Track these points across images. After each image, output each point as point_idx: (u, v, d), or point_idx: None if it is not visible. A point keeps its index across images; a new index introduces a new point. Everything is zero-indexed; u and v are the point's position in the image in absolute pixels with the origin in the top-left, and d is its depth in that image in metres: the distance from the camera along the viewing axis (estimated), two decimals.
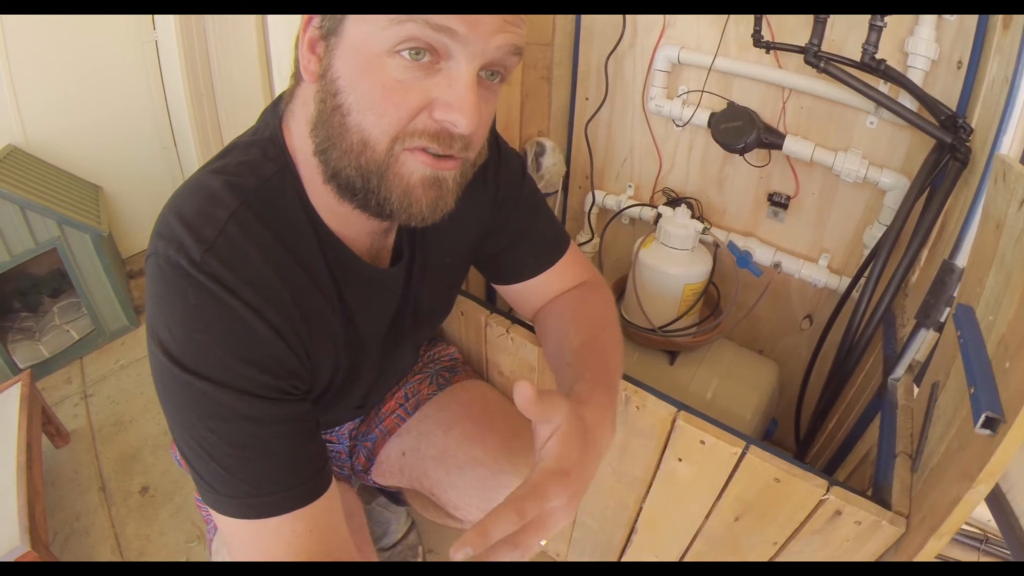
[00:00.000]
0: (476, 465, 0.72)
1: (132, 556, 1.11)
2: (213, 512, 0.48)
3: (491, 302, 0.86)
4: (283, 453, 0.48)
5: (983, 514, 1.12)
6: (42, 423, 1.22)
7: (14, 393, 1.17)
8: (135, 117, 1.78)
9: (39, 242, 1.39)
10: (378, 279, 0.58)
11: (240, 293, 0.44)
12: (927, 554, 0.54)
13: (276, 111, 0.52)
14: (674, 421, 0.66)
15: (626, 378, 0.70)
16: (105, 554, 1.12)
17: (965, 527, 1.15)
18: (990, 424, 0.46)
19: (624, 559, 0.90)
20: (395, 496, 1.04)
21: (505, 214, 0.67)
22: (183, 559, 1.11)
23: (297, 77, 0.48)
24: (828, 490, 0.60)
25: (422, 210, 0.47)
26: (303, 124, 0.48)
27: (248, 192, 0.47)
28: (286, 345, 0.47)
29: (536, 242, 0.70)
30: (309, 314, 0.50)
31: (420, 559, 1.07)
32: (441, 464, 0.74)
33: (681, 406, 0.67)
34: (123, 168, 1.79)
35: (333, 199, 0.49)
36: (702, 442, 0.65)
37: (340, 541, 0.52)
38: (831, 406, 0.99)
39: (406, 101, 0.43)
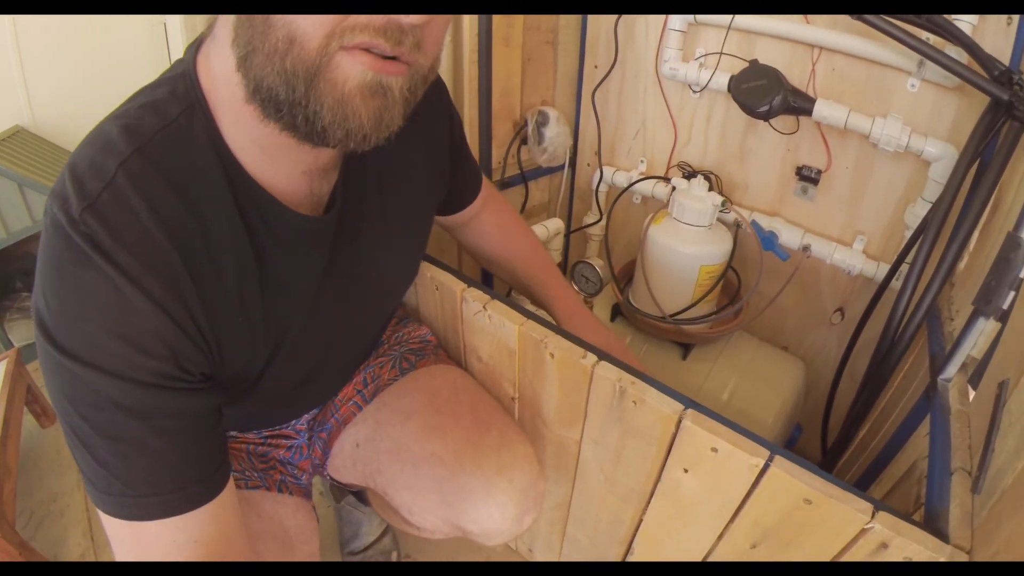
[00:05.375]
0: (434, 462, 0.63)
1: (103, 541, 1.06)
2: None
3: (488, 284, 0.76)
4: (164, 451, 0.42)
5: None
6: (27, 401, 1.21)
7: None
8: None
9: (36, 220, 1.37)
10: (307, 230, 0.49)
11: (117, 259, 0.38)
12: None
13: (195, 45, 0.45)
14: (679, 422, 0.54)
15: (623, 367, 0.59)
16: (76, 537, 1.07)
17: None
18: None
19: None
20: (361, 495, 0.95)
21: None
22: None
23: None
24: (873, 516, 0.47)
25: (362, 123, 0.39)
26: (225, 44, 0.40)
27: (145, 137, 0.41)
28: (170, 320, 0.41)
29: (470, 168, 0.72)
30: (208, 282, 0.43)
31: None
32: (396, 459, 0.65)
33: (689, 403, 0.55)
34: None
35: (258, 127, 0.40)
36: (714, 449, 0.53)
37: (232, 552, 0.46)
38: (867, 411, 0.87)
39: None
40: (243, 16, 0.37)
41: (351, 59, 0.37)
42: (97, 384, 0.39)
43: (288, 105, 0.38)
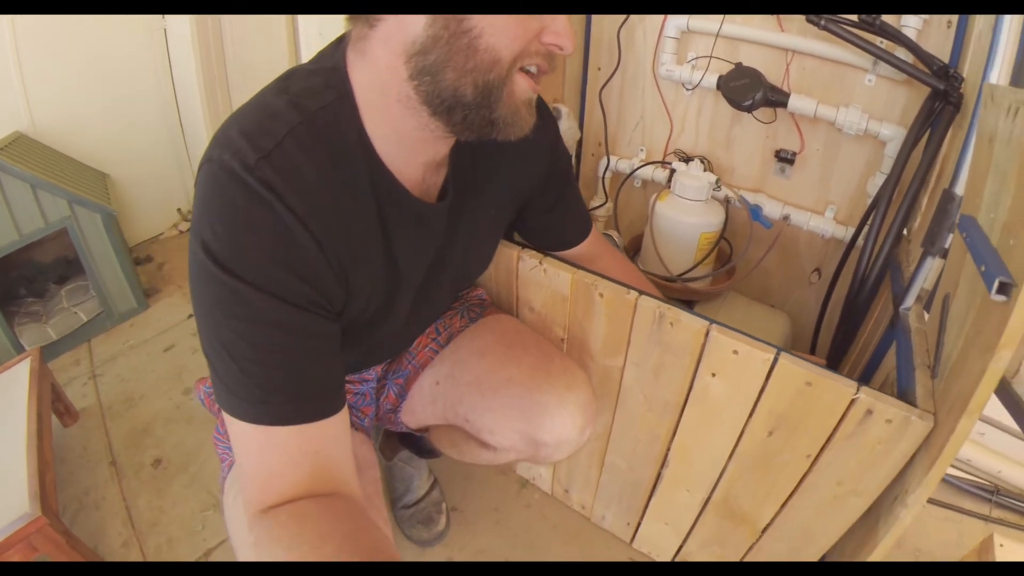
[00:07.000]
0: (511, 385, 0.74)
1: (144, 528, 1.10)
2: (225, 414, 0.49)
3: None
4: (303, 365, 0.49)
5: (991, 464, 1.15)
6: (51, 400, 1.21)
7: (23, 369, 1.17)
8: (142, 104, 1.78)
9: (49, 221, 1.38)
10: (423, 214, 0.59)
11: (288, 201, 0.45)
12: (959, 437, 0.55)
13: (339, 47, 0.53)
14: (708, 334, 0.69)
15: (659, 298, 0.73)
16: (116, 527, 1.10)
17: (975, 478, 1.18)
18: (1004, 289, 0.48)
19: (653, 498, 0.92)
20: (418, 446, 1.05)
21: (556, 165, 0.74)
22: (198, 528, 1.10)
23: (365, 20, 0.49)
24: (858, 389, 0.63)
25: (523, 127, 0.53)
26: (396, 57, 0.48)
27: (309, 112, 0.49)
28: (325, 260, 0.49)
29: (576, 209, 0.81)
30: (352, 238, 0.52)
31: (443, 515, 1.07)
32: (476, 388, 0.76)
33: (712, 320, 0.70)
34: (129, 155, 1.79)
35: (404, 120, 0.51)
36: (735, 352, 0.68)
37: (342, 467, 0.53)
38: (844, 351, 1.03)
39: (532, 26, 0.48)
40: (439, 39, 0.46)
41: (523, 80, 0.50)
42: (257, 301, 0.46)
43: (475, 108, 0.49)
